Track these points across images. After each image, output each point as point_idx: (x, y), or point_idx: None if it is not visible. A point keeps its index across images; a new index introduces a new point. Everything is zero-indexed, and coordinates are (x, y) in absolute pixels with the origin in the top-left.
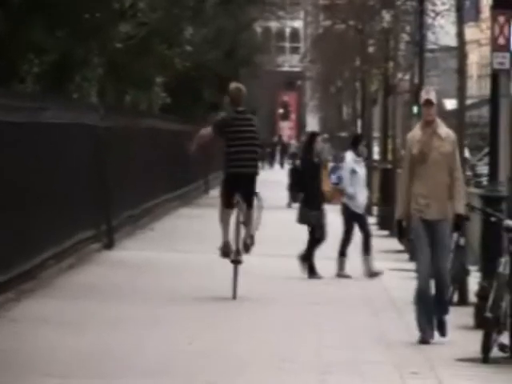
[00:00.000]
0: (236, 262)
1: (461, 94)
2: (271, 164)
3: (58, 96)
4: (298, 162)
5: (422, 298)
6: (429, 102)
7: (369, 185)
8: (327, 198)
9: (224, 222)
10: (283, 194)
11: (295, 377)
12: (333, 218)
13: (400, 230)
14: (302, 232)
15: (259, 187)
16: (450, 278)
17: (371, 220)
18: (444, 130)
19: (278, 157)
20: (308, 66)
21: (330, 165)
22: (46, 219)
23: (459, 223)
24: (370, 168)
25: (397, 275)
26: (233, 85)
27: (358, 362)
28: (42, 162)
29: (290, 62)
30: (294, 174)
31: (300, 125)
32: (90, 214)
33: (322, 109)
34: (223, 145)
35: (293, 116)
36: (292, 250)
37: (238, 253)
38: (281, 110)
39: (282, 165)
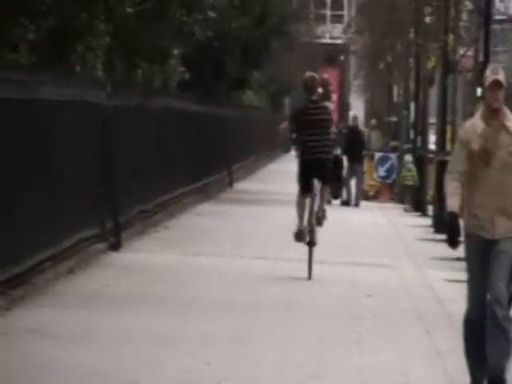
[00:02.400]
0: (311, 244)
1: None
2: None
3: (57, 68)
4: (337, 150)
5: (474, 335)
6: (496, 84)
7: (423, 180)
8: (370, 194)
9: (300, 207)
10: None
11: None
12: (379, 217)
13: (454, 230)
14: (341, 232)
15: (294, 179)
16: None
17: (426, 221)
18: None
19: None
20: (352, 37)
21: (378, 155)
22: (41, 214)
23: None
24: (424, 160)
25: (454, 287)
26: (307, 74)
27: None
28: (37, 147)
29: (332, 33)
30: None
31: (342, 107)
32: (94, 209)
33: (368, 89)
34: (298, 132)
35: (334, 96)
36: (329, 256)
37: (312, 233)
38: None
39: None
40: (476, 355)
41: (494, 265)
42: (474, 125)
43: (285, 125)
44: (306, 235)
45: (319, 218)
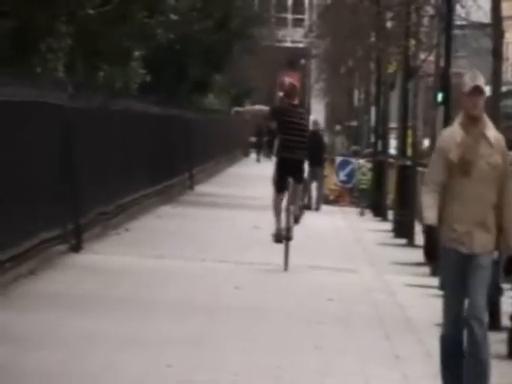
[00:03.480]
0: (288, 239)
1: (496, 79)
2: (268, 155)
3: (18, 69)
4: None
5: (451, 352)
6: (477, 91)
7: (382, 185)
8: (330, 198)
9: (276, 209)
10: None
11: None
12: (340, 221)
13: (432, 244)
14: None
15: (255, 183)
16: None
17: (386, 226)
18: (493, 132)
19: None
20: (314, 41)
21: (338, 159)
22: (2, 215)
23: None
24: (384, 164)
25: (414, 291)
26: (287, 80)
27: None
28: None
29: (293, 37)
30: None
31: None
32: (55, 211)
33: (329, 93)
34: (276, 132)
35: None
36: (290, 260)
37: (288, 230)
38: (281, 93)
39: None
40: (452, 372)
41: (472, 280)
42: (453, 133)
43: (264, 110)
44: (282, 235)
45: (297, 217)
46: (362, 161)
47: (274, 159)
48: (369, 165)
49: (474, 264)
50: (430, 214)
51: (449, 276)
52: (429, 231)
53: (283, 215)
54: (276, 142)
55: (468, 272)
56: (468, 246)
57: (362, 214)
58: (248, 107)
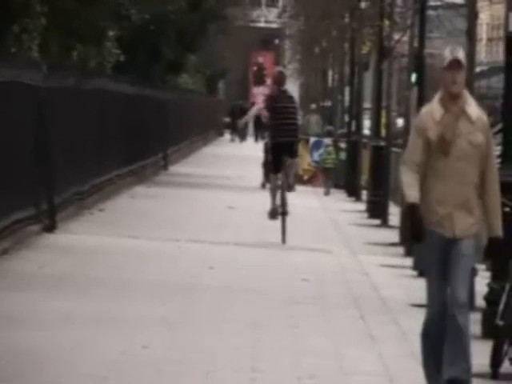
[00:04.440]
0: (284, 214)
1: (470, 60)
2: (243, 137)
3: None
4: None
5: (433, 337)
6: (456, 65)
7: (357, 165)
8: (304, 178)
9: (273, 187)
10: (257, 173)
11: None
12: (314, 201)
13: (417, 223)
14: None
15: (230, 164)
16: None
17: (360, 206)
18: (474, 109)
19: (251, 128)
20: (287, 22)
21: (312, 139)
22: None
23: (495, 249)
24: (358, 145)
25: (389, 272)
26: (276, 69)
27: (342, 373)
28: None
29: (267, 17)
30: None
31: None
32: (29, 190)
33: (303, 73)
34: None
35: (269, 81)
36: (264, 241)
37: (284, 205)
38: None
39: (256, 138)
40: (435, 362)
41: (454, 267)
42: (431, 111)
43: (260, 106)
44: (278, 211)
45: (291, 186)
46: (326, 140)
47: (263, 143)
48: (333, 144)
49: (456, 251)
50: (411, 191)
51: (431, 263)
52: (412, 210)
53: (278, 193)
54: (268, 128)
55: (450, 257)
56: (449, 229)
57: (327, 193)
58: (249, 113)
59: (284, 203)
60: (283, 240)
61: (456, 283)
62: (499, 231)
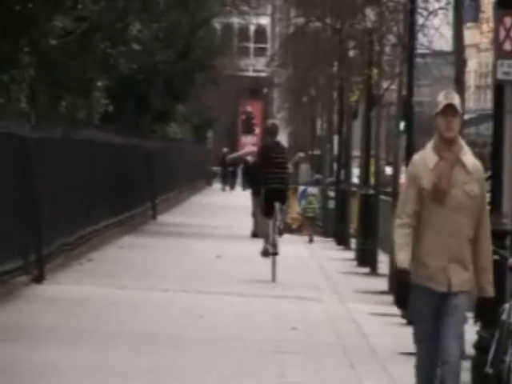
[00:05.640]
0: (275, 254)
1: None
2: (232, 185)
3: None
4: None
5: None
6: (450, 110)
7: (346, 213)
8: (293, 227)
9: (266, 231)
10: (247, 222)
11: None
12: (302, 250)
13: (404, 290)
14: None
15: (219, 214)
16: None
17: (349, 255)
18: (470, 158)
19: (240, 177)
20: (276, 70)
21: (301, 188)
22: None
23: (485, 309)
24: (347, 193)
25: (378, 320)
26: (269, 121)
27: None
28: None
29: (255, 66)
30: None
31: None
32: (17, 241)
33: (291, 122)
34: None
35: (257, 129)
36: (253, 289)
37: (275, 246)
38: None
39: (244, 187)
40: None
41: (446, 324)
42: (425, 158)
43: (253, 151)
44: (269, 251)
45: (280, 230)
46: (310, 189)
47: (249, 190)
48: (321, 192)
49: (450, 304)
50: (402, 256)
51: (421, 320)
52: (401, 276)
53: (270, 234)
54: (260, 177)
55: (443, 311)
56: (442, 283)
57: (310, 241)
58: (240, 152)
59: (274, 244)
60: (273, 278)
61: (447, 339)
62: (491, 292)
